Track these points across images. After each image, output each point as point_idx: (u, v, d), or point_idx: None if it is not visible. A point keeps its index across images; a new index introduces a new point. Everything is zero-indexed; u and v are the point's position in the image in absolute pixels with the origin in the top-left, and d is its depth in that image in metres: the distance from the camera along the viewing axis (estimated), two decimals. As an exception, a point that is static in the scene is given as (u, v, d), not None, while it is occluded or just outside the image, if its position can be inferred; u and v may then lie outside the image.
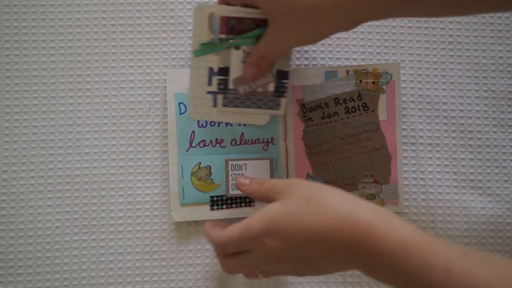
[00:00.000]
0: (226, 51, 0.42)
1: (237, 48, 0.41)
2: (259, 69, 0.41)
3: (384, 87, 0.47)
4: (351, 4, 0.35)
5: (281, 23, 0.36)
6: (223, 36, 0.41)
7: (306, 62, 0.48)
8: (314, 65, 0.48)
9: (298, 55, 0.48)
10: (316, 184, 0.37)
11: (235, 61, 0.42)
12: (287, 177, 0.47)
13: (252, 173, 0.46)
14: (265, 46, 0.39)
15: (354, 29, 0.48)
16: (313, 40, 0.40)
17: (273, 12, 0.36)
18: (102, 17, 0.46)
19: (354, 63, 0.48)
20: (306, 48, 0.48)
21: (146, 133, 0.46)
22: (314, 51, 0.48)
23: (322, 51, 0.48)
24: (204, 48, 0.42)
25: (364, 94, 0.47)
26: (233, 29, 0.41)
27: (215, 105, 0.44)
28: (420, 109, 0.48)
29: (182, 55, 0.47)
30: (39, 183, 0.45)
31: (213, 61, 0.42)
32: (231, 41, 0.41)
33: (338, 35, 0.48)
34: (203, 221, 0.46)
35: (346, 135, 0.47)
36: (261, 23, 0.40)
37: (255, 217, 0.36)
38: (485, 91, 0.49)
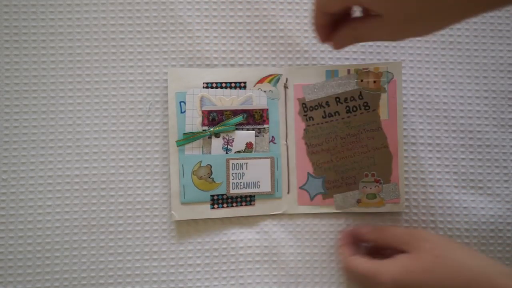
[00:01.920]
0: (208, 140, 0.46)
1: (217, 135, 0.45)
2: (344, 44, 0.39)
3: (385, 86, 0.47)
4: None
5: (394, 17, 0.33)
6: (205, 128, 0.46)
7: (306, 62, 0.48)
8: (314, 64, 0.48)
9: (298, 55, 0.48)
10: (443, 239, 0.40)
11: (216, 148, 0.45)
12: (288, 176, 0.47)
13: (252, 172, 0.46)
14: (366, 30, 0.36)
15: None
16: (424, 35, 0.37)
17: (386, 6, 0.33)
18: (102, 17, 0.46)
19: (354, 63, 0.48)
20: (306, 48, 0.48)
21: (146, 133, 0.46)
22: (314, 50, 0.48)
23: (322, 51, 0.48)
24: (186, 138, 0.45)
25: (365, 93, 0.47)
26: (214, 120, 0.46)
27: None
28: (420, 109, 0.48)
29: (182, 55, 0.47)
30: (39, 183, 0.45)
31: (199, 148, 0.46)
32: (211, 129, 0.45)
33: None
34: (204, 219, 0.46)
35: (347, 134, 0.47)
36: (240, 113, 0.46)
37: (385, 266, 0.39)
38: (485, 91, 0.49)
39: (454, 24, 0.34)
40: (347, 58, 0.48)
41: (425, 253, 0.38)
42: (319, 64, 0.48)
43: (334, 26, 0.38)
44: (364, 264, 0.41)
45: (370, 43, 0.48)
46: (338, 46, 0.39)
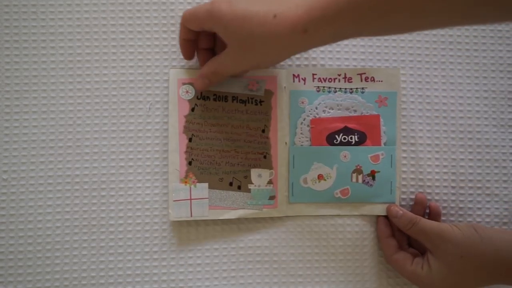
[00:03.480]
0: None
1: None
2: (209, 81, 0.43)
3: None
4: (308, 35, 0.35)
5: (237, 48, 0.38)
6: None
7: (298, 62, 0.48)
8: (306, 65, 0.48)
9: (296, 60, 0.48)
10: (469, 240, 0.41)
11: None
12: (288, 179, 0.47)
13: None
14: (221, 63, 0.41)
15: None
16: (266, 66, 0.44)
17: (230, 39, 0.38)
18: (102, 17, 0.46)
19: (346, 65, 0.48)
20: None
21: (146, 133, 0.46)
22: (314, 51, 0.48)
23: (316, 51, 0.48)
24: None
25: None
26: None
27: None
28: (420, 109, 0.48)
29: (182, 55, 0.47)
30: (39, 183, 0.45)
31: None
32: None
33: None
34: (202, 220, 0.46)
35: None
36: None
37: (424, 275, 0.43)
38: (485, 91, 0.49)
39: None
40: (346, 59, 0.48)
41: (450, 256, 0.41)
42: (311, 65, 0.48)
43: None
44: (406, 269, 0.44)
45: (370, 43, 0.48)
46: (201, 83, 0.44)
